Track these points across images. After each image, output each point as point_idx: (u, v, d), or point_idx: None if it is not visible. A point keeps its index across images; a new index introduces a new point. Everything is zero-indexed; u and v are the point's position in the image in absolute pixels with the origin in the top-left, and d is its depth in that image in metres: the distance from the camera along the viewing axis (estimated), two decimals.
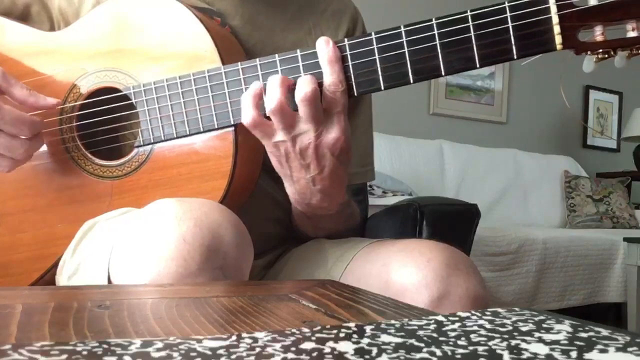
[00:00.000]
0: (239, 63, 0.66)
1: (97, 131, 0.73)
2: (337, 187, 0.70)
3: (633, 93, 4.16)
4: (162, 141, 0.70)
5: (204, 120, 0.68)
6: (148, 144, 0.71)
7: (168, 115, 0.69)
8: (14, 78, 0.67)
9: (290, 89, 0.63)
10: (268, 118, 0.64)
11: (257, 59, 0.66)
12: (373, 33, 0.64)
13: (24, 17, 0.80)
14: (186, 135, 0.69)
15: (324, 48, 0.64)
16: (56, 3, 0.79)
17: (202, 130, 0.68)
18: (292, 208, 0.76)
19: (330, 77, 0.63)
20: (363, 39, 0.64)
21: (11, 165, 0.68)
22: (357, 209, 0.85)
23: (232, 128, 0.68)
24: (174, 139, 0.69)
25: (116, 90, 0.72)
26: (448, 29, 0.62)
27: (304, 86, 0.62)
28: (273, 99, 0.62)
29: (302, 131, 0.63)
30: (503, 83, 3.65)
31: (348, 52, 0.64)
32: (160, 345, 0.24)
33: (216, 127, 0.68)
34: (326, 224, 0.78)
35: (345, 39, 0.64)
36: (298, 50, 0.65)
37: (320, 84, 0.63)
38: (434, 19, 0.62)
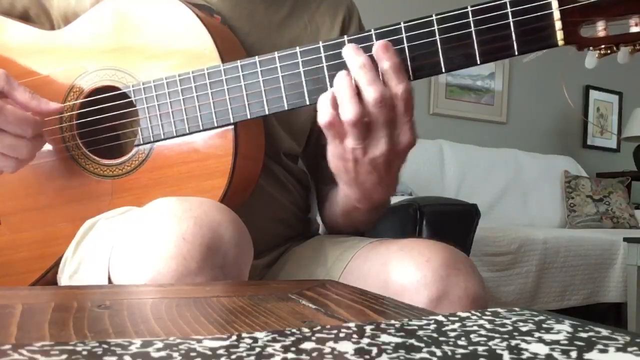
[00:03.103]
0: (238, 61, 0.66)
1: (97, 130, 0.73)
2: (397, 179, 0.69)
3: (633, 93, 4.16)
4: (162, 140, 0.70)
5: (204, 118, 0.68)
6: (148, 143, 0.71)
7: (168, 113, 0.69)
8: (16, 81, 0.67)
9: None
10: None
11: (257, 57, 0.66)
12: (373, 29, 0.63)
13: (23, 19, 0.80)
14: (186, 134, 0.69)
15: (385, 54, 0.60)
16: (55, 3, 0.79)
17: (201, 128, 0.68)
18: (338, 208, 0.75)
19: (401, 84, 0.60)
20: (362, 35, 0.63)
21: (16, 165, 0.68)
22: None
23: (232, 126, 0.68)
24: (173, 137, 0.69)
25: (116, 88, 0.72)
26: (448, 24, 0.62)
27: (376, 91, 0.59)
28: (350, 111, 0.59)
29: (376, 139, 0.61)
30: (503, 83, 3.65)
31: None
32: (160, 345, 0.24)
33: (216, 125, 0.68)
34: (375, 214, 0.77)
35: (345, 36, 0.64)
36: (297, 48, 0.65)
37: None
38: (434, 15, 0.62)
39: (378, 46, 0.60)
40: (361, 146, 0.61)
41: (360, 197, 0.69)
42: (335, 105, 0.60)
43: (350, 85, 0.60)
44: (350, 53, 0.61)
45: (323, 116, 0.61)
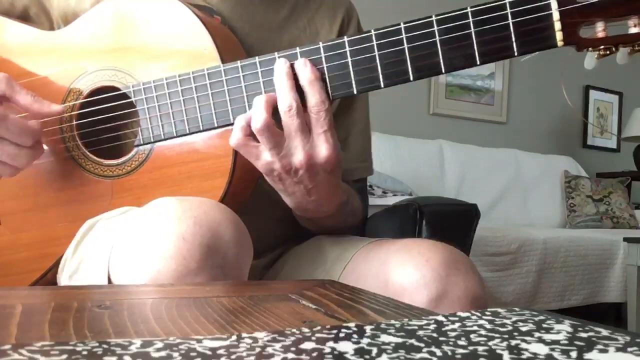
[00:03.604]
0: (239, 61, 0.66)
1: (97, 130, 0.73)
2: (332, 193, 0.70)
3: (633, 93, 4.16)
4: (162, 140, 0.70)
5: (204, 118, 0.68)
6: (148, 143, 0.71)
7: (168, 114, 0.69)
8: (18, 85, 0.67)
9: (275, 107, 0.63)
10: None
11: (257, 57, 0.66)
12: (373, 30, 0.63)
13: (22, 19, 0.80)
14: (186, 134, 0.69)
15: (303, 69, 0.63)
16: (55, 3, 0.79)
17: (201, 129, 0.68)
18: (293, 211, 0.76)
19: (313, 98, 0.62)
20: (363, 35, 0.64)
21: (13, 172, 0.69)
22: (358, 205, 0.86)
23: (232, 126, 0.68)
24: (173, 137, 0.69)
25: (116, 89, 0.72)
26: (448, 25, 0.62)
27: (288, 99, 0.62)
28: (259, 118, 0.62)
29: (290, 151, 0.63)
30: (503, 83, 3.65)
31: (347, 49, 0.64)
32: (160, 345, 0.24)
33: (216, 125, 0.68)
34: (327, 223, 0.79)
35: (345, 37, 0.64)
36: (297, 48, 0.65)
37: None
38: (433, 16, 0.62)
39: (298, 62, 0.64)
40: (276, 158, 0.63)
41: (296, 207, 0.71)
42: (247, 125, 0.63)
43: (266, 97, 0.63)
44: (279, 63, 0.64)
45: (233, 137, 0.63)
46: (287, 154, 0.63)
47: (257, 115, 0.62)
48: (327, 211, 0.73)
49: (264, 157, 0.63)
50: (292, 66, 0.64)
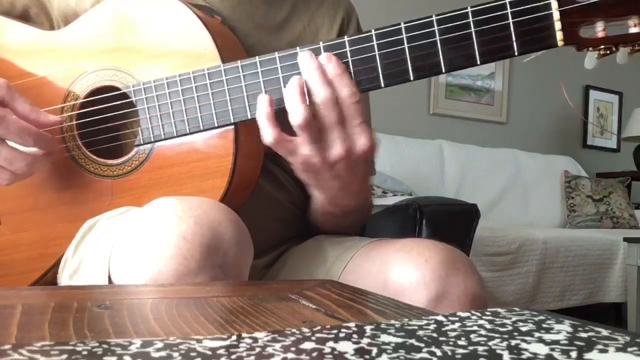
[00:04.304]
0: (239, 61, 0.66)
1: (97, 130, 0.73)
2: (364, 185, 0.70)
3: (633, 93, 4.15)
4: (162, 140, 0.70)
5: (204, 118, 0.68)
6: (148, 143, 0.71)
7: (168, 113, 0.69)
8: (18, 92, 0.67)
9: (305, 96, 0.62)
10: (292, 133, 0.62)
11: (257, 57, 0.66)
12: (373, 30, 0.63)
13: (23, 19, 0.80)
14: (186, 134, 0.69)
15: (327, 63, 0.62)
16: (55, 3, 0.79)
17: (202, 128, 0.68)
18: (316, 209, 0.76)
19: (345, 89, 0.62)
20: (363, 35, 0.64)
21: (10, 178, 0.68)
22: (371, 198, 0.86)
23: (232, 126, 0.68)
24: (174, 137, 0.69)
25: (116, 89, 0.72)
26: (448, 25, 0.62)
27: (325, 92, 0.61)
28: (299, 113, 0.60)
29: (329, 144, 0.62)
30: (503, 83, 3.65)
31: (348, 49, 0.64)
32: (160, 345, 0.24)
33: (216, 125, 0.68)
34: (351, 217, 0.79)
35: (345, 37, 0.64)
36: (298, 48, 0.65)
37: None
38: (434, 16, 0.62)
39: (322, 57, 0.63)
40: (315, 151, 0.62)
41: (328, 201, 0.71)
42: (273, 122, 0.62)
43: (299, 90, 0.61)
44: (305, 57, 0.63)
45: (267, 134, 0.62)
46: (325, 146, 0.62)
47: (296, 109, 0.60)
48: (355, 205, 0.73)
49: (301, 152, 0.62)
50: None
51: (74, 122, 0.73)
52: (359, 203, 0.73)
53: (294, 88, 0.62)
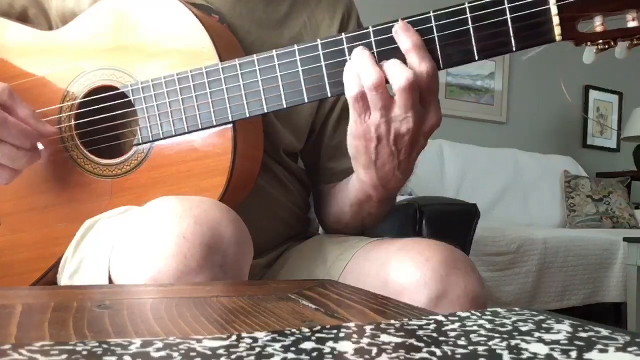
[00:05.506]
0: (237, 60, 0.66)
1: (96, 130, 0.73)
2: (412, 167, 0.69)
3: (633, 93, 4.15)
4: (161, 139, 0.70)
5: (203, 117, 0.68)
6: (147, 142, 0.70)
7: (166, 112, 0.69)
8: (19, 98, 0.67)
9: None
10: None
11: (255, 56, 0.66)
12: (371, 27, 0.63)
13: (21, 20, 0.80)
14: (185, 133, 0.69)
15: (403, 34, 0.61)
16: (53, 4, 0.79)
17: (200, 127, 0.68)
18: (352, 196, 0.75)
19: (424, 63, 0.61)
20: (360, 32, 0.63)
21: (10, 176, 0.69)
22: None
23: (231, 125, 0.68)
24: (172, 136, 0.69)
25: (114, 88, 0.72)
26: (446, 21, 0.62)
27: (401, 73, 0.60)
28: (372, 74, 0.59)
29: (399, 117, 0.61)
30: (503, 83, 3.65)
31: (345, 47, 0.64)
32: (160, 345, 0.24)
33: (215, 124, 0.68)
34: (385, 206, 0.77)
35: (343, 34, 0.64)
36: (295, 46, 0.65)
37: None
38: (431, 12, 0.62)
39: (398, 26, 0.62)
40: (384, 119, 0.61)
41: (376, 183, 0.69)
42: (358, 78, 0.61)
43: (366, 52, 0.61)
44: (403, 30, 0.61)
45: (350, 89, 0.61)
46: (396, 119, 0.62)
47: (369, 71, 0.60)
48: (398, 188, 0.72)
49: (373, 118, 0.62)
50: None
51: (73, 123, 0.73)
52: (402, 185, 0.72)
53: (360, 52, 0.61)
